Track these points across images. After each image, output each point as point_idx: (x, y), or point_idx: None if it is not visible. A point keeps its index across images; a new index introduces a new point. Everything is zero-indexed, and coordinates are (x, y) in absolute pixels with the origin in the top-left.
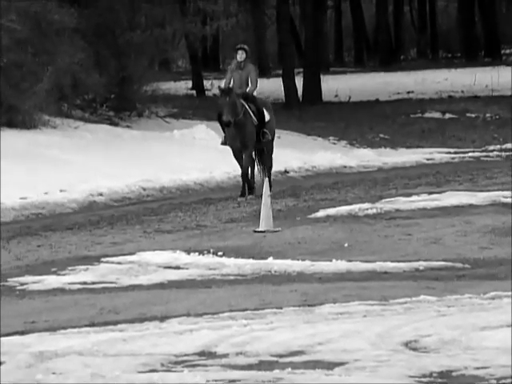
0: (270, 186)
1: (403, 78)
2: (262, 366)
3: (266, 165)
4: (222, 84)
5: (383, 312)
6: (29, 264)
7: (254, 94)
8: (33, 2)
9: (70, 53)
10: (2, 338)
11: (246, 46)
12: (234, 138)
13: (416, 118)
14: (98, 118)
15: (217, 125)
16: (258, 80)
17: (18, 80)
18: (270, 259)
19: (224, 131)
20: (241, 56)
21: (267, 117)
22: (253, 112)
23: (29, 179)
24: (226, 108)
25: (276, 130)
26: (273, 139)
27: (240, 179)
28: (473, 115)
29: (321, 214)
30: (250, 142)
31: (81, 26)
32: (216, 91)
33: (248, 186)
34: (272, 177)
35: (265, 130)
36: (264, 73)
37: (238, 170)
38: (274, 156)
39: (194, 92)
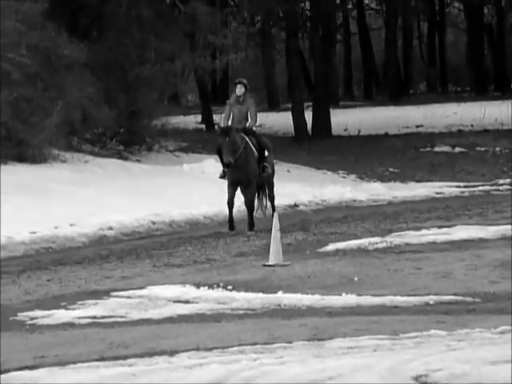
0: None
1: (412, 112)
2: None
3: (269, 199)
4: (222, 118)
5: (393, 346)
6: (39, 298)
7: (254, 128)
8: (43, 36)
9: (79, 87)
10: (13, 373)
11: (244, 80)
12: (235, 172)
13: (425, 151)
14: (108, 153)
15: None
16: (258, 114)
17: (28, 114)
18: (280, 293)
19: (223, 165)
20: (239, 90)
21: (266, 151)
22: (254, 146)
23: (39, 213)
24: (225, 148)
25: (285, 164)
26: (273, 173)
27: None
28: (482, 149)
29: (330, 247)
30: (254, 177)
31: (90, 61)
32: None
33: (230, 221)
34: (281, 210)
35: (265, 163)
36: (273, 107)
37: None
38: (284, 190)
39: (203, 126)
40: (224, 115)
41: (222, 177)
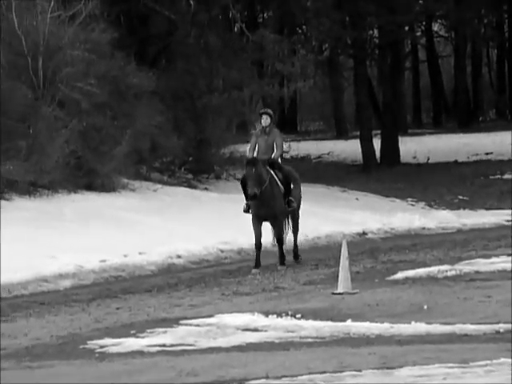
0: (298, 256)
1: (482, 140)
2: None
3: (293, 232)
4: (247, 149)
5: (463, 375)
6: (108, 326)
7: (279, 160)
8: (111, 65)
9: (148, 116)
10: None
11: (270, 111)
12: (260, 207)
13: (495, 179)
14: (177, 181)
15: None
16: (284, 145)
17: (98, 143)
18: (349, 321)
19: (247, 198)
20: (265, 121)
21: (293, 184)
22: (279, 179)
23: (108, 242)
24: (251, 180)
25: (354, 192)
26: (298, 207)
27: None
28: None
29: (399, 275)
30: (280, 212)
31: (159, 89)
32: (293, 153)
33: (256, 261)
34: (350, 238)
35: (290, 198)
36: (341, 134)
37: (317, 232)
38: (352, 217)
39: None
40: (249, 146)
41: (246, 211)
